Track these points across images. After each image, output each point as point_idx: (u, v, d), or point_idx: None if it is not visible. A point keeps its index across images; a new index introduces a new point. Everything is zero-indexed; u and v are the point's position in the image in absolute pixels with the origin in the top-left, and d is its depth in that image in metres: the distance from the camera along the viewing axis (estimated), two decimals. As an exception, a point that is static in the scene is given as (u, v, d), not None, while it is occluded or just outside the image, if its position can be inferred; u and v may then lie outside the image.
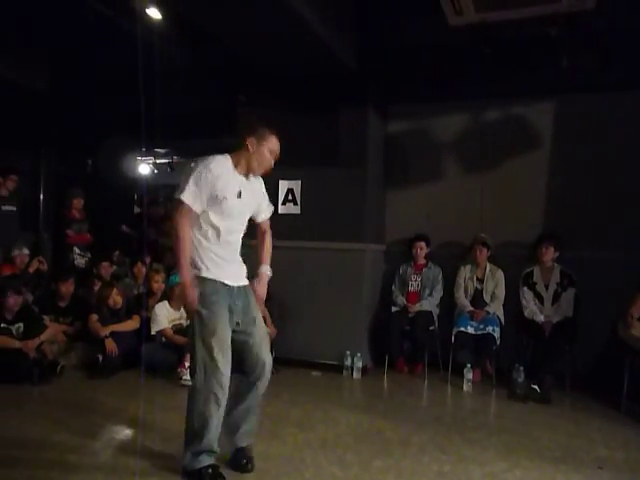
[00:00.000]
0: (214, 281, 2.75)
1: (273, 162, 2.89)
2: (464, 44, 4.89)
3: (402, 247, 5.64)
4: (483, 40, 4.69)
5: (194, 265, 2.75)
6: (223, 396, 2.74)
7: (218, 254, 2.78)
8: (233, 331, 2.79)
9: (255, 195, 2.94)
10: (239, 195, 2.81)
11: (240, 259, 2.94)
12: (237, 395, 2.88)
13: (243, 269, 2.94)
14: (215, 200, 2.73)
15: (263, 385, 2.89)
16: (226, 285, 2.78)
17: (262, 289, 2.98)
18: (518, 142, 5.39)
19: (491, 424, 4.00)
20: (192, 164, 2.77)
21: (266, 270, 3.00)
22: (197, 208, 2.72)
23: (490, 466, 3.11)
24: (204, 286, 2.73)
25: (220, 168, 2.75)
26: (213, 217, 2.76)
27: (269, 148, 2.82)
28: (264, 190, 3.03)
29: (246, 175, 2.86)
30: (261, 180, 2.98)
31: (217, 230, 2.77)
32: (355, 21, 5.16)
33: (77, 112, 7.51)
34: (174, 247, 2.72)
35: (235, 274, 2.86)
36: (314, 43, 4.53)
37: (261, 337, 2.89)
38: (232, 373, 2.78)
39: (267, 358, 2.87)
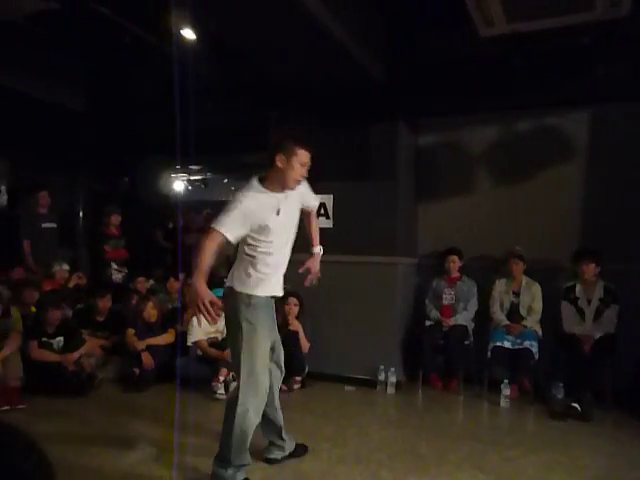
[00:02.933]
0: (262, 297, 2.85)
1: (306, 172, 2.90)
2: (495, 55, 4.85)
3: (434, 260, 5.58)
4: (515, 51, 4.64)
5: (244, 283, 2.83)
6: (261, 409, 2.85)
7: (267, 273, 2.86)
8: None
9: (295, 202, 2.98)
10: (277, 213, 2.84)
11: (285, 268, 3.01)
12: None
13: (282, 279, 3.02)
14: (260, 228, 2.79)
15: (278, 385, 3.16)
16: (272, 297, 2.94)
17: (316, 265, 3.22)
18: (552, 153, 5.29)
19: (529, 442, 3.88)
20: (234, 197, 2.83)
21: (319, 250, 3.24)
22: (230, 237, 2.75)
23: (529, 485, 3.03)
24: (252, 301, 2.81)
25: (255, 201, 2.78)
26: (261, 241, 2.81)
27: (299, 161, 2.83)
28: (306, 189, 3.06)
29: (282, 191, 2.88)
30: (303, 183, 3.00)
31: (267, 252, 2.84)
32: (385, 35, 5.18)
33: (114, 131, 7.74)
34: (197, 255, 2.74)
35: (279, 284, 2.98)
36: (344, 58, 4.56)
37: (280, 345, 3.13)
38: None
39: (282, 365, 3.15)
